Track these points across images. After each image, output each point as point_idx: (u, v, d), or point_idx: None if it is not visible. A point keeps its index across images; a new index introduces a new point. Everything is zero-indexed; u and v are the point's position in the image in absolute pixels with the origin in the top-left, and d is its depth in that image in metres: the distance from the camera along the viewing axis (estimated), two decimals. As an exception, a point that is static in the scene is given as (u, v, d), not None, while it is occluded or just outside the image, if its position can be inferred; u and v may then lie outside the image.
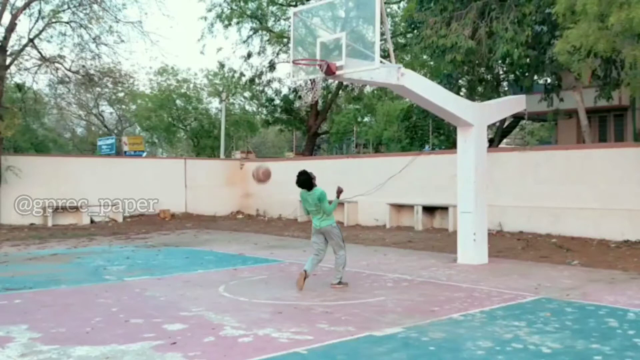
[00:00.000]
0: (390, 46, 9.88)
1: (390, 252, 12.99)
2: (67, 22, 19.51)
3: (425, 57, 21.95)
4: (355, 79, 9.61)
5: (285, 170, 23.51)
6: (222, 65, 30.59)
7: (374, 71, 9.12)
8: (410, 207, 17.45)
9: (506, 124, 22.66)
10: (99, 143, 33.05)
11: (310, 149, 27.86)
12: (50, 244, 14.76)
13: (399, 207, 18.04)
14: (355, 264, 11.10)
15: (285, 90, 28.57)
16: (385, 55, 9.50)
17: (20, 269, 10.81)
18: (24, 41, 18.76)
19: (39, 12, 18.92)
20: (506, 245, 13.30)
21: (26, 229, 18.15)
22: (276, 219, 21.54)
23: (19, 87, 19.97)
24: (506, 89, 20.68)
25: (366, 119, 36.54)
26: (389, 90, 20.34)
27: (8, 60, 18.29)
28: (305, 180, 8.69)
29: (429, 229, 16.88)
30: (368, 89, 28.00)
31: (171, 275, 10.07)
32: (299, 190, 8.84)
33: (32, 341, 5.85)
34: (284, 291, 8.50)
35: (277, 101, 28.74)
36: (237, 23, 26.43)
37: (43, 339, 5.94)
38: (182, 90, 37.08)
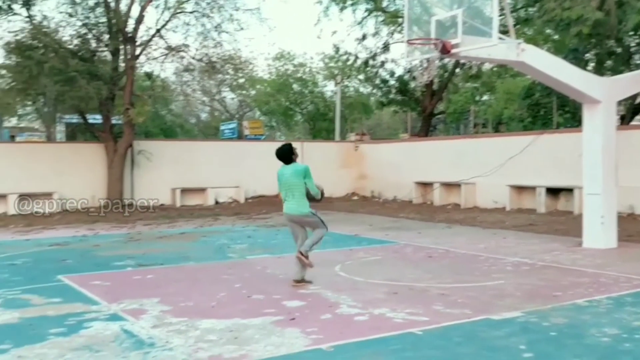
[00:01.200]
0: (509, 21, 9.51)
1: (509, 235, 12.59)
2: (191, 12, 20.44)
3: (548, 31, 20.83)
4: (472, 56, 9.36)
5: (401, 151, 23.48)
6: (337, 49, 30.78)
7: (492, 48, 8.83)
8: (532, 188, 16.76)
9: (639, 99, 21.06)
10: (222, 127, 34.47)
11: (426, 130, 27.41)
12: (179, 224, 15.70)
13: (519, 189, 17.39)
14: (472, 247, 10.89)
15: (399, 71, 28.26)
16: (504, 30, 9.15)
17: (152, 247, 11.61)
18: (152, 32, 19.90)
19: (165, 3, 19.97)
20: (638, 229, 12.45)
21: (156, 209, 19.39)
22: (391, 200, 21.50)
23: (148, 75, 21.21)
24: (638, 62, 19.18)
25: (485, 98, 35.36)
26: (509, 66, 19.53)
27: (138, 51, 19.49)
28: (286, 151, 7.57)
29: (552, 212, 16.14)
30: (487, 66, 27.04)
31: (290, 254, 10.36)
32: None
33: (163, 313, 6.29)
34: (399, 272, 8.52)
35: (391, 82, 28.50)
36: (352, 5, 26.43)
37: (173, 311, 6.37)
38: (299, 75, 37.76)
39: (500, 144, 18.68)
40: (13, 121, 41.22)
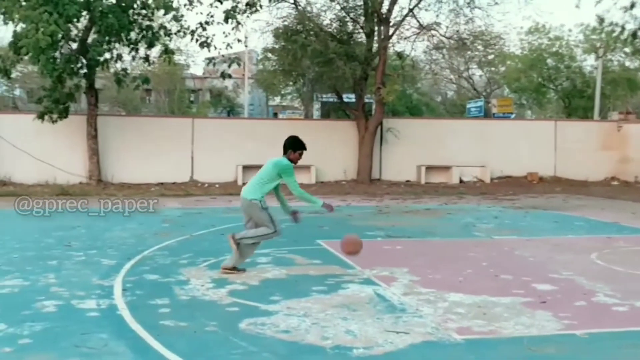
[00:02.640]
0: None
1: None
2: (444, -11, 20.44)
3: None
4: None
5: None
6: (600, 19, 28.16)
7: None
8: None
9: None
10: (468, 106, 33.97)
11: None
12: (424, 200, 16.02)
13: None
14: None
15: (677, 42, 24.88)
16: None
17: (399, 220, 12.06)
18: (405, 12, 20.35)
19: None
20: None
21: (402, 184, 19.98)
22: (659, 187, 19.24)
23: (400, 55, 21.76)
24: None
25: None
26: None
27: (391, 31, 20.09)
28: (288, 145, 6.95)
29: None
30: None
31: (539, 238, 10.01)
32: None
33: (412, 283, 6.57)
34: (667, 266, 7.69)
35: (665, 55, 25.29)
36: (620, -31, 23.94)
37: (421, 282, 6.61)
38: (554, 49, 35.39)
39: None
40: (277, 100, 45.56)
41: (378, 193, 17.47)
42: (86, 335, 4.74)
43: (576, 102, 34.49)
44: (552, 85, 36.62)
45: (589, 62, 35.26)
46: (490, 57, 32.96)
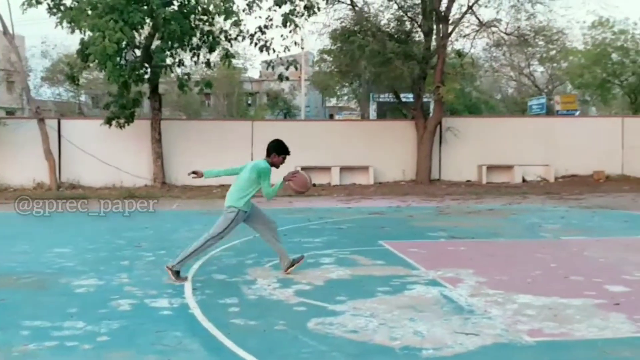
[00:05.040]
0: None
1: None
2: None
3: None
4: None
5: None
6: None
7: None
8: None
9: None
10: (530, 103, 33.20)
11: None
12: (486, 200, 15.76)
13: None
14: None
15: None
16: None
17: (461, 220, 11.90)
18: (464, 9, 20.07)
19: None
20: None
21: (463, 184, 19.71)
22: None
23: (459, 53, 21.46)
24: None
25: None
26: None
27: (449, 29, 19.86)
28: (270, 148, 6.79)
29: None
30: None
31: (609, 238, 9.70)
32: None
33: (479, 284, 6.48)
34: None
35: None
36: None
37: (488, 283, 6.51)
38: (619, 43, 34.13)
39: None
40: (333, 101, 45.71)
41: (438, 193, 17.29)
42: (161, 332, 4.90)
43: (644, 98, 33.20)
44: (617, 81, 35.32)
45: (660, 57, 33.87)
46: (552, 52, 32.12)
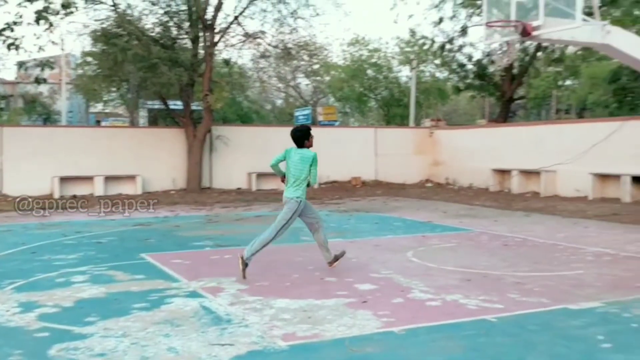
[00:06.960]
0: (594, 1, 9.11)
1: (591, 225, 12.14)
2: (268, -1, 20.71)
3: (637, 12, 19.79)
4: (554, 39, 9.08)
5: (478, 137, 22.97)
6: (413, 33, 30.38)
7: (576, 30, 8.51)
8: (617, 177, 16.06)
9: None
10: (296, 114, 34.77)
11: (505, 116, 26.67)
12: (255, 207, 16.04)
13: (603, 177, 16.68)
14: (551, 236, 10.60)
15: (478, 55, 27.59)
16: (588, 12, 8.79)
17: (229, 228, 11.94)
18: (230, 19, 20.29)
19: (243, -10, 20.27)
20: None
21: (233, 192, 19.87)
22: (466, 187, 21.12)
23: (226, 62, 21.67)
24: None
25: (568, 82, 34.01)
26: (594, 50, 18.67)
27: (216, 38, 19.92)
28: (302, 133, 7.56)
29: (638, 201, 15.41)
30: (570, 49, 25.96)
31: (362, 239, 10.46)
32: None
33: (240, 292, 6.49)
34: (473, 260, 8.40)
35: (469, 67, 27.88)
36: (429, -12, 26.01)
37: (249, 290, 6.56)
38: (373, 60, 37.52)
39: (583, 130, 17.97)
40: (99, 107, 43.11)
41: (208, 202, 17.19)
42: None
43: (394, 110, 36.85)
44: (372, 95, 38.77)
45: (405, 73, 37.91)
46: (315, 66, 34.12)
